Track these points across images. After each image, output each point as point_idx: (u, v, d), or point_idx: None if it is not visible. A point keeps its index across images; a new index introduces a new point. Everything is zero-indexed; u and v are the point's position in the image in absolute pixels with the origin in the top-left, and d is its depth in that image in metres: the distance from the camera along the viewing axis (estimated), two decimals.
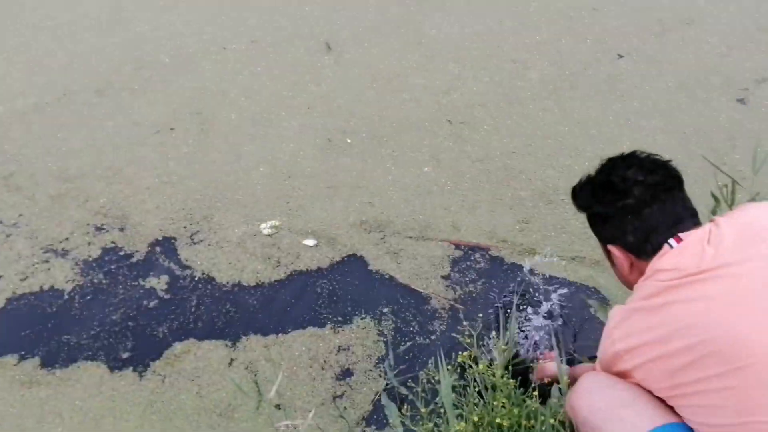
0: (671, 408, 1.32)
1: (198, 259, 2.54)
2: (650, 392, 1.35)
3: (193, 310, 2.36)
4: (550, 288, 2.38)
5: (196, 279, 2.47)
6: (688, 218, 1.38)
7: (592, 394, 1.40)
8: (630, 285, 1.45)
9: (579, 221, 2.63)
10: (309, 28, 4.05)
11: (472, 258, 2.51)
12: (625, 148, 2.87)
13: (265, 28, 4.08)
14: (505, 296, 2.34)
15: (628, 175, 1.39)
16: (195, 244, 2.60)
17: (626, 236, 1.40)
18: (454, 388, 1.89)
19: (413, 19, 3.96)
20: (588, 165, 2.91)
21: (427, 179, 2.87)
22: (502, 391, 1.71)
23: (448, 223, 2.65)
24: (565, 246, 2.54)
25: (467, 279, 2.43)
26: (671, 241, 1.33)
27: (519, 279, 2.41)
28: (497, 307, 2.29)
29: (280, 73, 3.65)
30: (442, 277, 2.43)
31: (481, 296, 2.35)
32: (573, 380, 1.64)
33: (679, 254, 1.29)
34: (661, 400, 1.34)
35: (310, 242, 2.59)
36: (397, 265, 2.47)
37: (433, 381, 2.00)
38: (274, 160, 3.03)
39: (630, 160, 1.43)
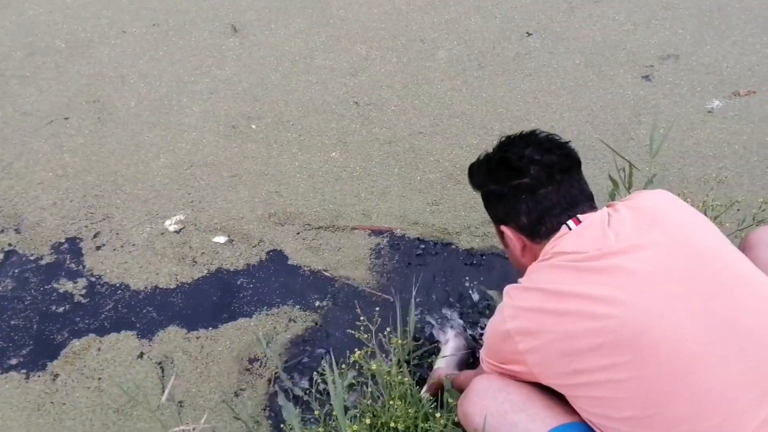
0: (566, 407, 1.30)
1: (106, 266, 2.45)
2: (544, 393, 1.33)
3: (104, 314, 2.29)
4: (466, 273, 2.38)
5: (109, 285, 2.39)
6: (584, 201, 1.37)
7: (483, 400, 1.37)
8: (523, 267, 1.42)
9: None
10: (213, 10, 3.94)
11: (387, 245, 2.49)
12: (533, 126, 2.97)
13: (168, 11, 3.96)
14: (417, 284, 2.32)
15: (524, 154, 1.37)
16: (99, 248, 2.50)
17: (520, 217, 1.38)
18: (352, 386, 1.85)
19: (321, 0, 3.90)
20: (495, 143, 2.92)
21: (335, 165, 2.84)
22: (396, 390, 1.65)
23: (359, 211, 2.63)
24: (474, 225, 2.55)
25: (381, 268, 2.41)
26: (570, 222, 1.32)
27: (432, 265, 2.41)
28: (402, 297, 2.26)
29: (182, 57, 3.54)
30: (357, 266, 2.42)
31: (394, 284, 2.34)
32: (460, 387, 1.61)
33: (578, 236, 1.29)
34: (556, 399, 1.32)
35: (220, 239, 2.52)
36: (313, 258, 2.45)
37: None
38: (175, 149, 2.95)
39: (528, 139, 1.42)
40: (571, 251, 1.26)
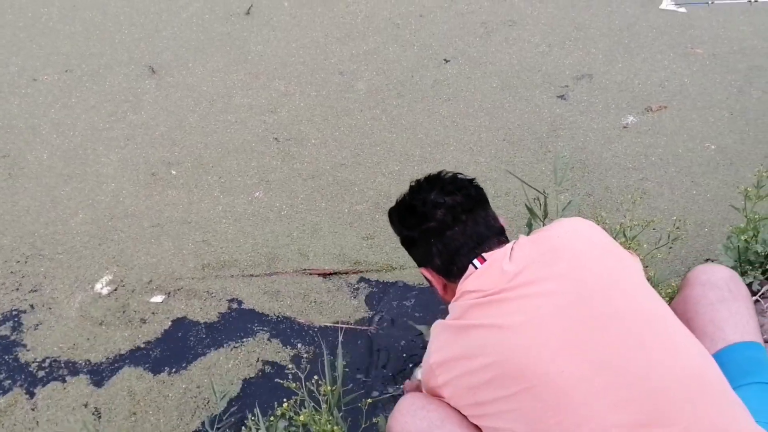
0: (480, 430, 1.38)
1: (46, 345, 2.35)
2: (462, 415, 1.40)
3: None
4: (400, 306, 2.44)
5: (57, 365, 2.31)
6: (493, 237, 1.45)
7: (404, 417, 1.44)
8: (443, 301, 1.53)
9: None
10: (128, 52, 3.96)
11: (332, 287, 2.53)
12: (451, 149, 3.08)
13: (81, 55, 3.96)
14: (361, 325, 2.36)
15: (428, 199, 1.45)
16: (37, 328, 2.40)
17: (433, 259, 1.46)
18: None
19: (239, 36, 3.97)
20: (417, 169, 3.03)
21: (260, 206, 2.88)
22: None
23: (295, 251, 2.66)
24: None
25: (327, 310, 2.45)
26: (475, 261, 1.40)
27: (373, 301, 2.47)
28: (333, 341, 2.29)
29: (96, 104, 3.54)
30: (302, 309, 2.44)
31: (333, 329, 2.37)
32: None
33: (481, 275, 1.36)
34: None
35: (157, 298, 2.50)
36: (260, 305, 2.46)
37: None
38: (93, 202, 2.93)
39: (433, 183, 1.50)
40: (473, 290, 1.34)
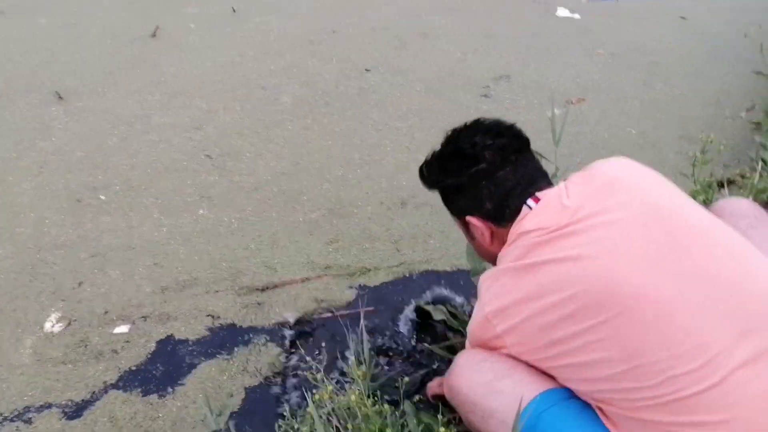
0: (550, 376, 1.34)
1: (9, 399, 2.07)
2: (526, 363, 1.36)
3: None
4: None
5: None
6: (542, 178, 1.43)
7: (467, 371, 1.40)
8: (493, 257, 1.46)
9: (378, 225, 2.73)
10: (27, 79, 3.72)
11: (313, 296, 2.43)
12: (388, 150, 3.09)
13: None
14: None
15: (476, 141, 1.41)
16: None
17: (483, 204, 1.41)
18: None
19: (149, 59, 3.83)
20: (360, 172, 3.01)
21: (207, 222, 2.75)
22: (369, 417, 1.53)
23: (259, 264, 2.55)
24: (387, 253, 2.59)
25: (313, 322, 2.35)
26: (529, 202, 1.37)
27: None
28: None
29: (0, 133, 3.27)
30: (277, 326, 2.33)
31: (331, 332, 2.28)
32: None
33: (539, 214, 1.33)
34: (540, 370, 1.36)
35: (122, 329, 2.29)
36: (248, 316, 2.33)
37: None
38: (13, 236, 2.68)
39: (475, 127, 1.47)
40: (533, 229, 1.31)
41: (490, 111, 3.43)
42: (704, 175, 2.64)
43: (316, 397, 1.47)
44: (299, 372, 2.09)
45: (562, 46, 4.11)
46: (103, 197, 2.89)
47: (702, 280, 1.19)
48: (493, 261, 1.45)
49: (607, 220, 1.25)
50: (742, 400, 1.13)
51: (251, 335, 2.26)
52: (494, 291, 1.33)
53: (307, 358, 1.89)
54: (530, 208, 1.36)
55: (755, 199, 2.47)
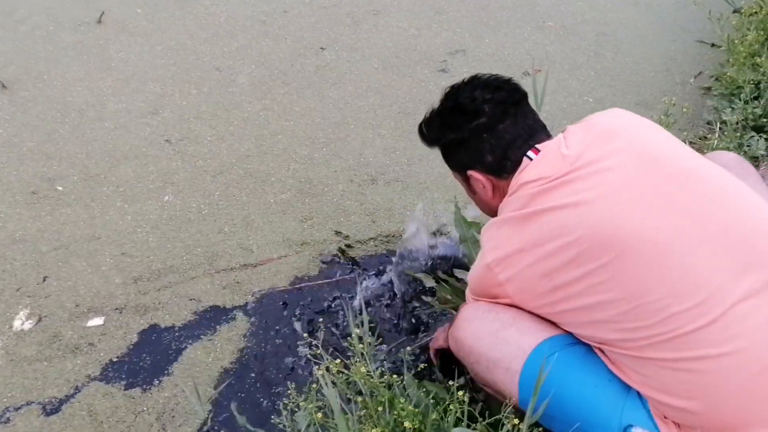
0: (553, 324, 1.37)
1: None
2: (530, 312, 1.39)
3: None
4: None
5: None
6: (541, 130, 1.47)
7: (472, 323, 1.43)
8: (494, 210, 1.50)
9: (352, 200, 2.73)
10: None
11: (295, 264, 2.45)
12: (352, 127, 3.08)
13: None
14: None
15: (475, 96, 1.45)
16: None
17: (484, 157, 1.45)
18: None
19: (96, 45, 3.69)
20: (326, 150, 2.98)
21: (175, 209, 2.69)
22: (378, 392, 1.51)
23: (234, 246, 2.52)
24: (364, 226, 2.61)
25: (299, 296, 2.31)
26: (529, 153, 1.41)
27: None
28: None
29: None
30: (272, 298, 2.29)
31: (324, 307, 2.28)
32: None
33: (539, 164, 1.36)
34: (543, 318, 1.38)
35: (96, 321, 2.22)
36: (224, 301, 2.32)
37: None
38: None
39: (474, 83, 1.50)
40: (534, 179, 1.34)
41: (448, 85, 3.44)
42: None
43: (320, 372, 1.45)
44: (298, 348, 2.08)
45: (512, 19, 4.14)
46: (60, 188, 2.78)
47: (700, 219, 1.23)
48: (494, 214, 1.49)
49: (606, 166, 1.28)
50: (743, 332, 1.17)
51: (236, 313, 2.26)
52: (496, 240, 1.36)
53: (304, 335, 1.84)
54: (530, 159, 1.40)
55: None
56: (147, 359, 2.12)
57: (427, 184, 2.82)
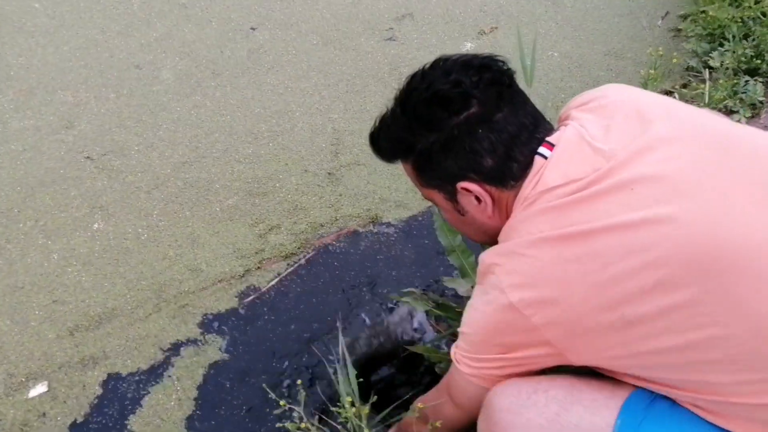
0: (613, 380, 1.05)
1: None
2: (578, 374, 1.08)
3: None
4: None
5: None
6: (542, 119, 1.13)
7: (519, 414, 1.06)
8: (491, 234, 1.17)
9: (309, 194, 2.45)
10: None
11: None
12: (297, 114, 2.75)
13: None
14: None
15: (459, 79, 1.08)
16: None
17: (481, 160, 1.09)
18: None
19: None
20: (272, 145, 2.65)
21: (107, 237, 2.32)
22: None
23: (183, 269, 2.21)
24: (326, 219, 2.36)
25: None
26: (541, 150, 1.07)
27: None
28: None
29: None
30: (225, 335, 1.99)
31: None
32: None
33: (561, 162, 1.04)
34: (593, 375, 1.07)
35: (40, 389, 1.86)
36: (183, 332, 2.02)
37: None
38: None
39: (445, 65, 1.11)
40: (561, 183, 1.02)
41: (398, 54, 3.13)
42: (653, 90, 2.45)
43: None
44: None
45: None
46: None
47: None
48: (490, 239, 1.18)
49: (663, 157, 0.98)
50: None
51: (192, 345, 1.98)
52: (521, 274, 1.01)
53: (281, 402, 1.45)
54: (545, 157, 1.06)
55: (715, 109, 2.31)
56: (108, 417, 1.80)
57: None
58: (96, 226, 2.35)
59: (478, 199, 1.13)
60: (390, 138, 1.20)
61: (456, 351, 1.16)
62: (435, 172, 1.15)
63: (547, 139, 1.08)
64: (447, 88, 1.08)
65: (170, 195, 2.46)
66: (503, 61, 1.13)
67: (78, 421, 1.80)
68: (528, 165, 1.07)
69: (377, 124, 1.21)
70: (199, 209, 2.40)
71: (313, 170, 2.54)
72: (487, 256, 1.08)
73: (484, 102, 1.07)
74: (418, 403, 1.30)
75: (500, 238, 1.10)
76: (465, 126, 1.07)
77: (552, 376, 1.08)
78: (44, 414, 1.82)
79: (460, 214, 1.20)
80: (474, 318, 1.10)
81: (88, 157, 2.64)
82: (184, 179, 2.51)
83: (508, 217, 1.10)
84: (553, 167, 1.04)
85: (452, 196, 1.17)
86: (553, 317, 0.99)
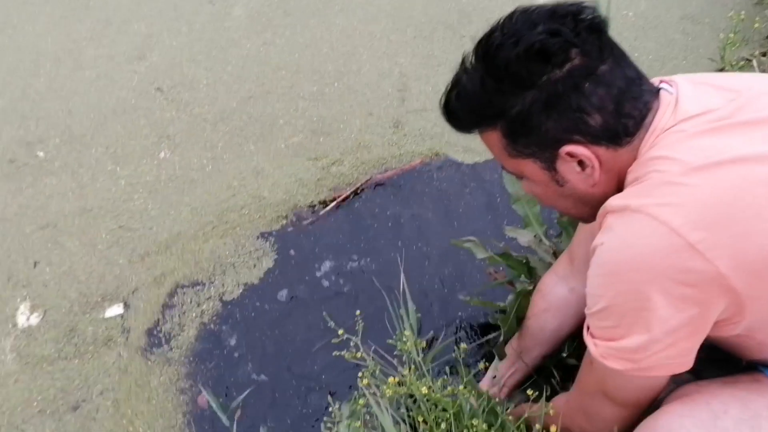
0: (745, 380, 0.98)
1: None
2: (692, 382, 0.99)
3: None
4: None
5: None
6: (642, 72, 1.01)
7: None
8: (594, 205, 1.01)
9: (373, 134, 2.43)
10: None
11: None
12: (364, 57, 2.71)
13: None
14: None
15: (554, 30, 0.94)
16: None
17: (589, 119, 0.95)
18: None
19: None
20: (337, 85, 2.62)
21: (173, 167, 2.38)
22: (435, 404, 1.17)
23: (246, 197, 2.23)
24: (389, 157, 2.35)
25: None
26: (664, 85, 0.98)
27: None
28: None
29: None
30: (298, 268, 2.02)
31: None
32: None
33: (690, 96, 0.95)
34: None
35: (116, 310, 1.93)
36: (242, 277, 2.02)
37: None
38: None
39: (528, 17, 0.97)
40: (701, 112, 0.92)
41: (468, 2, 3.05)
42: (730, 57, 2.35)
43: (365, 381, 1.13)
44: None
45: None
46: (41, 154, 2.44)
47: None
48: (590, 210, 1.04)
49: None
50: None
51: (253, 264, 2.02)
52: (686, 204, 0.86)
53: (340, 332, 1.43)
54: (670, 92, 0.97)
55: None
56: (180, 326, 1.88)
57: None
58: (162, 155, 2.40)
59: (581, 164, 1.00)
60: (473, 103, 1.03)
61: (597, 344, 0.97)
62: (532, 137, 1.00)
63: (662, 83, 0.99)
64: (543, 38, 0.93)
65: (235, 128, 2.48)
66: (593, 7, 0.98)
67: (155, 331, 1.87)
68: (642, 119, 0.96)
69: (451, 89, 1.06)
70: (263, 144, 2.42)
71: (377, 113, 2.51)
72: (619, 200, 0.93)
73: (587, 52, 0.94)
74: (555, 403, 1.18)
75: (629, 178, 0.96)
76: (569, 80, 0.94)
77: (700, 388, 0.99)
78: (126, 330, 1.89)
79: (557, 185, 1.05)
80: (617, 281, 0.91)
81: (158, 89, 2.68)
82: (250, 114, 2.53)
83: (619, 181, 0.99)
84: (685, 99, 0.95)
85: (550, 164, 1.02)
86: (734, 253, 0.84)
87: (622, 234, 0.90)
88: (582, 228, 1.32)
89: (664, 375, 0.95)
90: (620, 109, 0.95)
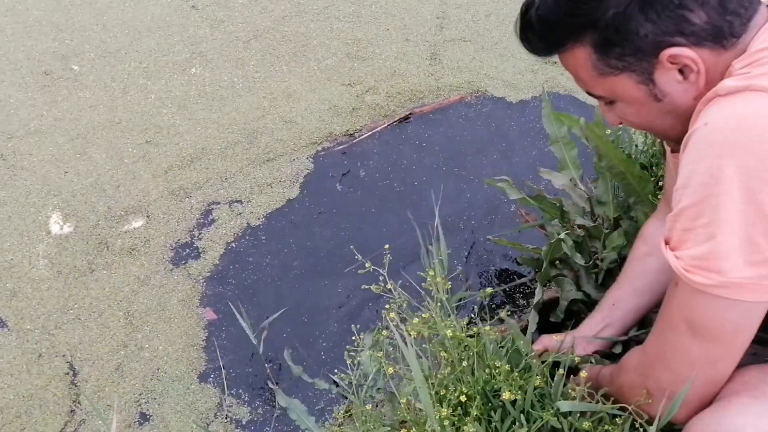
0: None
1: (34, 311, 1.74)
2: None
3: None
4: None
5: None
6: None
7: None
8: (686, 117, 0.90)
9: (408, 63, 2.35)
10: None
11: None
12: None
13: None
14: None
15: None
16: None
17: (691, 16, 0.84)
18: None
19: None
20: (376, 7, 2.55)
21: (203, 83, 2.34)
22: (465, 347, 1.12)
23: (277, 119, 2.19)
24: (427, 89, 2.28)
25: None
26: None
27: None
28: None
29: None
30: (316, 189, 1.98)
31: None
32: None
33: None
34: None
35: (136, 223, 1.92)
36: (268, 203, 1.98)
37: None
38: None
39: None
40: None
41: None
42: None
43: (391, 314, 1.09)
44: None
45: None
46: (76, 67, 2.41)
47: None
48: (679, 130, 0.92)
49: None
50: None
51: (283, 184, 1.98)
52: None
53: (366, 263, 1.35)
54: None
55: None
56: (202, 239, 1.87)
57: (503, 42, 2.36)
58: (193, 71, 2.35)
59: (682, 73, 0.89)
60: (558, 15, 0.91)
61: (679, 255, 0.84)
62: (629, 45, 0.88)
63: None
64: None
65: (268, 48, 2.42)
66: None
67: (178, 243, 1.86)
68: (749, 20, 0.86)
69: (528, 7, 0.94)
70: (296, 65, 2.36)
71: (414, 40, 2.43)
72: (736, 81, 0.82)
73: None
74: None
75: (736, 66, 0.86)
76: None
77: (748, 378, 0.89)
78: (148, 240, 1.88)
79: (655, 100, 0.93)
80: (724, 164, 0.78)
81: (193, 6, 2.62)
82: (284, 34, 2.47)
83: (714, 86, 0.87)
84: None
85: (648, 76, 0.90)
86: None
87: (741, 112, 0.78)
88: (673, 167, 1.19)
89: (757, 301, 0.80)
90: (725, 4, 0.84)
